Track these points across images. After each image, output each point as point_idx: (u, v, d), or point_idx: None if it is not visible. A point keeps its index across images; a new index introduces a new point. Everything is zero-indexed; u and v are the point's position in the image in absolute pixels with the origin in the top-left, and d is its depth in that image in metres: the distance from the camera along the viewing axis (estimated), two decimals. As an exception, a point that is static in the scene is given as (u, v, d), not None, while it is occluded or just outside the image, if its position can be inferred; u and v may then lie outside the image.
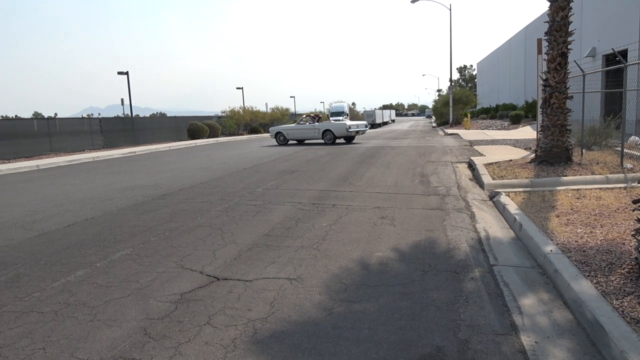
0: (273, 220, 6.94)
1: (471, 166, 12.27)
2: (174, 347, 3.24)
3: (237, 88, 51.58)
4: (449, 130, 32.70)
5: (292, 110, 61.90)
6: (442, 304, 3.84)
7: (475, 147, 17.63)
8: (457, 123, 41.95)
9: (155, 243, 5.91)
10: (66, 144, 25.99)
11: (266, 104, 57.12)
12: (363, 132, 24.92)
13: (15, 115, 38.78)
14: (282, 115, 52.94)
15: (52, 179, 14.06)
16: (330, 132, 23.73)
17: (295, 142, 25.51)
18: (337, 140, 24.63)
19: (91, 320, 3.71)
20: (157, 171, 14.90)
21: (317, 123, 24.41)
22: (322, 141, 24.38)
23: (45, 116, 45.50)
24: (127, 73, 32.40)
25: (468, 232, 5.96)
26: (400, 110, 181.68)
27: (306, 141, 25.64)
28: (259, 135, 43.64)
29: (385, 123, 74.02)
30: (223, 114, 45.00)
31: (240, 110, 45.82)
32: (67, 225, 7.20)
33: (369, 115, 68.97)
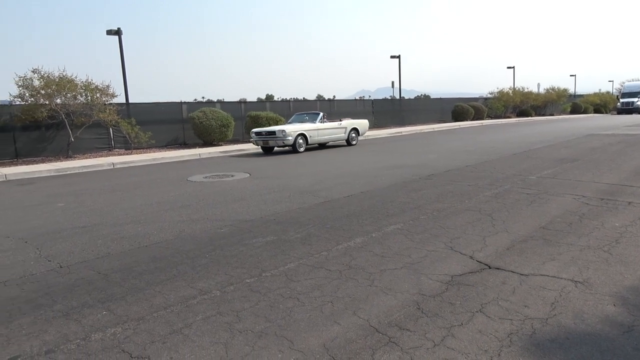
0: (550, 212, 6.26)
1: None
2: (446, 328, 3.23)
3: (508, 67, 48.41)
4: None
5: (571, 91, 54.75)
6: None
7: None
8: None
9: (424, 221, 6.04)
10: (343, 123, 29.08)
11: (538, 85, 52.06)
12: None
13: (303, 98, 45.75)
14: (558, 97, 47.45)
15: (331, 154, 15.96)
16: (356, 131, 19.71)
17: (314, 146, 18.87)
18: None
19: (369, 285, 4.03)
20: (422, 152, 15.29)
21: (342, 121, 19.25)
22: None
23: (326, 98, 51.82)
24: (398, 57, 34.03)
25: None
26: None
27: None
28: (529, 118, 40.28)
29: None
30: (490, 95, 43.05)
31: (510, 92, 43.01)
32: (346, 196, 8.03)
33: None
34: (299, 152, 17.08)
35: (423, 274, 4.24)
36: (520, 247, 4.90)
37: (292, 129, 17.14)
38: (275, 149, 17.83)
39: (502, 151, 14.05)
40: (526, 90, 45.08)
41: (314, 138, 17.90)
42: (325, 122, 18.44)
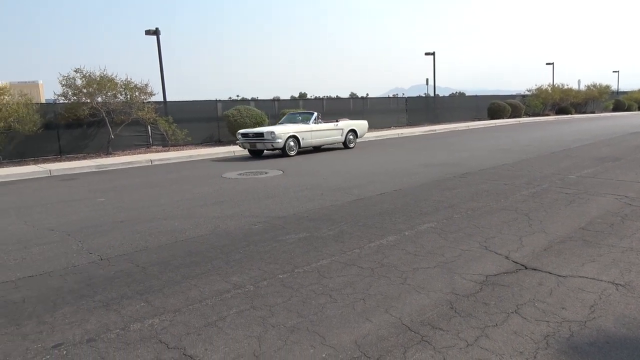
0: (591, 213, 6.07)
1: None
2: (480, 328, 3.19)
3: (547, 64, 47.00)
4: None
5: (613, 87, 52.65)
6: None
7: None
8: None
9: (458, 220, 5.96)
10: (375, 121, 28.87)
11: (578, 81, 50.37)
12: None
13: (337, 96, 45.56)
14: (600, 94, 45.77)
15: (364, 151, 15.90)
16: (354, 132, 17.83)
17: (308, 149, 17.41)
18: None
19: (401, 283, 4.01)
20: (457, 150, 15.05)
21: (338, 122, 17.24)
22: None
23: (359, 96, 51.63)
24: (433, 54, 33.54)
25: None
26: None
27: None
28: (569, 116, 39.07)
29: None
30: (528, 93, 41.95)
31: (549, 88, 41.78)
32: (379, 193, 8.00)
33: None
34: (289, 156, 15.34)
35: (457, 273, 4.19)
36: (558, 247, 4.77)
37: (282, 130, 15.38)
38: (265, 152, 16.16)
39: (540, 150, 13.69)
40: (566, 87, 43.69)
41: (307, 140, 16.08)
42: (320, 122, 16.70)
